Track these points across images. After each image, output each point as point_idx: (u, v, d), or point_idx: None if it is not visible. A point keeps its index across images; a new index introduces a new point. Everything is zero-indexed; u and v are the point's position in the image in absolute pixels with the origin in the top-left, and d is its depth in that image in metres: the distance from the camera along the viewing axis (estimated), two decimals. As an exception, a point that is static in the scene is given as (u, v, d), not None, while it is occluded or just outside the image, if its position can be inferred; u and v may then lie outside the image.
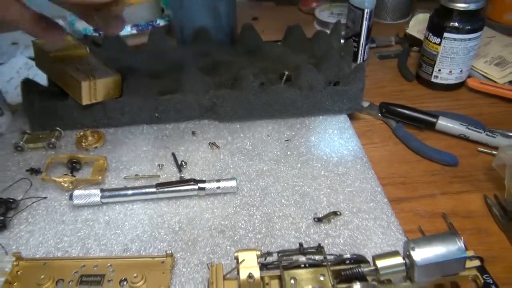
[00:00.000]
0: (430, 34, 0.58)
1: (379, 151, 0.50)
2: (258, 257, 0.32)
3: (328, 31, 0.66)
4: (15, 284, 0.35)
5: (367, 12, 0.61)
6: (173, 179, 0.45)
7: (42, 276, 0.35)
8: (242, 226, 0.40)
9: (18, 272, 0.36)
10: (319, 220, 0.40)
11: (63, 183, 0.43)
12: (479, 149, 0.50)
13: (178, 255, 0.37)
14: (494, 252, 0.38)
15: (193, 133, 0.52)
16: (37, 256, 0.38)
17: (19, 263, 0.37)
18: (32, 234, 0.40)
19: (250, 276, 0.31)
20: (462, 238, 0.29)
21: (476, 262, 0.31)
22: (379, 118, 0.56)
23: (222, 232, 0.39)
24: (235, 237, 0.39)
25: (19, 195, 0.44)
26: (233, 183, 0.43)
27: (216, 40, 0.64)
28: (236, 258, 0.32)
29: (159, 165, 0.47)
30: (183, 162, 0.47)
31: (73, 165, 0.46)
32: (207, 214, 0.41)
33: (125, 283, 0.35)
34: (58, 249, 0.38)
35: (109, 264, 0.36)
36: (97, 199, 0.42)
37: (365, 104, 0.56)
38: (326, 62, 0.55)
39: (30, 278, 0.36)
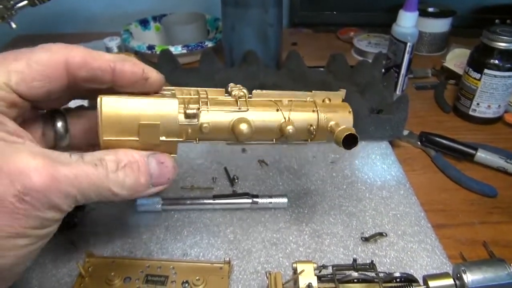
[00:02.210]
0: (470, 69, 0.61)
1: (419, 178, 0.53)
2: (314, 269, 0.35)
3: (368, 60, 0.69)
4: (87, 279, 0.39)
5: (409, 46, 0.64)
6: (226, 192, 0.48)
7: (113, 273, 0.38)
8: (293, 240, 0.43)
9: (89, 268, 0.39)
10: (366, 239, 0.42)
11: (127, 189, 0.47)
12: (518, 182, 0.52)
13: (234, 263, 0.40)
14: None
15: (243, 150, 0.55)
16: (104, 255, 0.41)
17: (90, 260, 0.40)
18: (99, 234, 0.43)
19: (309, 286, 0.33)
20: (511, 264, 0.32)
21: (523, 289, 0.33)
22: (418, 147, 0.58)
23: (274, 244, 0.42)
24: (287, 250, 0.42)
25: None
26: (284, 200, 0.46)
27: (263, 63, 0.68)
28: (295, 269, 0.35)
29: (212, 178, 0.51)
30: (235, 177, 0.50)
31: (134, 173, 0.50)
32: (260, 227, 0.44)
33: (186, 285, 0.38)
34: (123, 249, 0.42)
35: (171, 266, 0.40)
36: (159, 206, 0.45)
37: (405, 132, 0.59)
38: (369, 91, 0.58)
39: (100, 274, 0.39)
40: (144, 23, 0.90)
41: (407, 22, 0.64)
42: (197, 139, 0.31)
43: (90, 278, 0.39)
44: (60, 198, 0.24)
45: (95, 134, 0.28)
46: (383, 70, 0.69)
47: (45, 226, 0.25)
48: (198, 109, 0.31)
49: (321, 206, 0.47)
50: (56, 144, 0.32)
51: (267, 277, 0.36)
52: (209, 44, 0.80)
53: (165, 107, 0.29)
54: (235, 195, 0.46)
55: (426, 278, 0.33)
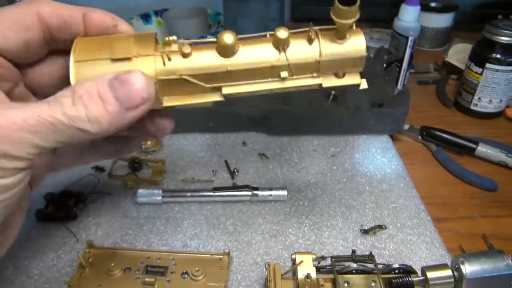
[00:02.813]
0: (472, 63, 0.61)
1: (420, 172, 0.53)
2: (313, 260, 0.35)
3: (369, 55, 0.69)
4: (87, 269, 0.39)
5: (411, 40, 0.64)
6: (226, 185, 0.48)
7: (112, 264, 0.38)
8: (293, 232, 0.43)
9: (90, 259, 0.40)
10: (365, 232, 0.42)
11: (128, 181, 0.47)
12: (518, 176, 0.52)
13: (234, 254, 0.40)
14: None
15: (244, 143, 0.55)
16: (105, 245, 0.42)
17: (91, 250, 0.40)
18: (99, 226, 0.44)
19: (307, 276, 0.33)
20: (509, 256, 0.32)
21: (522, 280, 0.33)
22: (419, 141, 0.58)
23: (274, 236, 0.42)
24: (286, 242, 0.42)
25: (85, 190, 0.48)
26: (284, 192, 0.46)
27: (264, 58, 0.68)
28: (294, 260, 0.35)
29: (213, 171, 0.51)
30: (235, 170, 0.51)
31: (135, 166, 0.50)
32: (260, 219, 0.44)
33: (186, 275, 0.38)
34: (124, 241, 0.42)
35: (171, 258, 0.40)
36: (159, 198, 0.45)
37: (406, 126, 0.59)
38: (371, 85, 0.58)
39: (101, 264, 0.39)
40: (145, 17, 0.90)
41: (409, 16, 0.64)
42: (180, 74, 0.27)
43: (90, 268, 0.39)
44: (12, 144, 0.22)
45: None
46: (384, 65, 0.68)
47: (5, 175, 0.22)
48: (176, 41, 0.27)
49: (321, 198, 0.47)
50: None
51: (266, 268, 0.36)
52: (211, 38, 0.80)
53: (143, 34, 0.28)
54: (235, 187, 0.46)
55: (424, 269, 0.33)
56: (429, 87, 0.73)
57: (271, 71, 0.28)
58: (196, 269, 0.38)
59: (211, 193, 0.45)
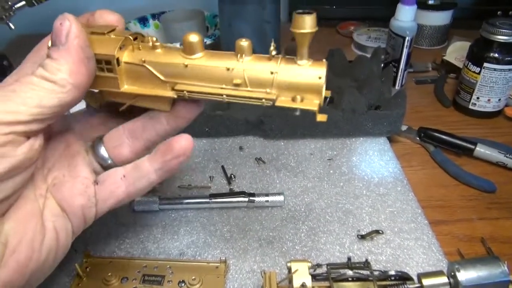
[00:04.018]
0: (470, 63, 0.60)
1: (418, 174, 0.53)
2: (309, 268, 0.35)
3: (367, 55, 0.69)
4: (84, 279, 0.39)
5: (407, 40, 0.63)
6: (223, 191, 0.48)
7: (110, 273, 0.39)
8: (289, 238, 0.43)
9: (87, 268, 0.40)
10: (362, 237, 0.42)
11: (124, 189, 0.47)
12: (517, 177, 0.51)
13: (231, 261, 0.40)
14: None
15: (241, 148, 0.55)
16: (102, 255, 0.42)
17: (88, 260, 0.41)
18: (96, 235, 0.44)
19: (303, 285, 0.33)
20: (505, 262, 0.32)
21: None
22: (417, 142, 0.58)
23: (270, 243, 0.42)
24: (283, 248, 0.42)
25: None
26: (280, 198, 0.46)
27: (261, 60, 0.68)
28: (289, 268, 0.35)
29: (210, 176, 0.51)
30: (232, 175, 0.50)
31: (132, 173, 0.50)
32: (256, 225, 0.44)
33: (183, 284, 0.38)
34: (121, 249, 0.42)
35: (168, 266, 0.40)
36: (156, 205, 0.45)
37: (403, 127, 0.59)
38: (367, 86, 0.58)
39: (98, 274, 0.39)
40: (143, 20, 0.90)
41: (406, 16, 0.63)
42: (143, 61, 0.29)
43: (87, 278, 0.39)
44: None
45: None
46: (382, 65, 0.68)
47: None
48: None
49: (318, 203, 0.47)
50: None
51: (262, 276, 0.36)
52: (208, 41, 0.80)
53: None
54: (231, 194, 0.46)
55: (420, 276, 0.33)
56: (427, 87, 0.72)
57: (226, 77, 0.29)
58: (193, 277, 0.38)
59: (207, 200, 0.45)
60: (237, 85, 0.28)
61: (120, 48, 0.29)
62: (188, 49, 0.29)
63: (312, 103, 0.28)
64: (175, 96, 0.30)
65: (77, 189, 0.31)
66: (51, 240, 0.29)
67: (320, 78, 0.27)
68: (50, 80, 0.26)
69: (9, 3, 0.67)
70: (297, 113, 0.28)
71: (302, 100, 0.28)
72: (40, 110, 0.25)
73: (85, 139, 0.34)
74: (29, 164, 0.26)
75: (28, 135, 0.26)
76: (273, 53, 0.28)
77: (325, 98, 0.60)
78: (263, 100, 0.28)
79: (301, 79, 0.28)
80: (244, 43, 0.28)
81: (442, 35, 0.84)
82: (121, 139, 0.33)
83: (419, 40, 0.84)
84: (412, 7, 0.63)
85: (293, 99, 0.28)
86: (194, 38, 0.29)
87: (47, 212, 0.29)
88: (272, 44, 0.28)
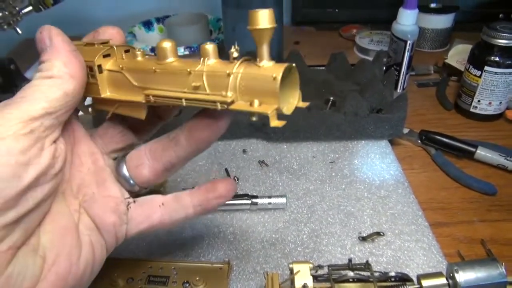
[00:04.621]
0: (471, 66, 0.61)
1: (419, 177, 0.53)
2: (310, 269, 0.36)
3: (369, 58, 0.69)
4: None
5: (409, 44, 0.64)
6: (227, 193, 0.49)
7: (116, 274, 0.40)
8: (292, 240, 0.43)
9: (94, 269, 0.41)
10: (363, 239, 0.43)
11: (130, 192, 0.48)
12: (518, 179, 0.52)
13: (234, 263, 0.41)
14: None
15: (244, 151, 0.56)
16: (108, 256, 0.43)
17: (94, 261, 0.41)
18: (103, 236, 0.45)
19: (304, 286, 0.34)
20: (503, 264, 0.32)
21: (516, 287, 0.34)
22: (418, 145, 0.58)
23: (273, 244, 0.43)
24: (285, 250, 0.42)
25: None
26: (283, 200, 0.46)
27: (264, 64, 0.69)
28: (291, 269, 0.36)
29: (213, 179, 0.51)
30: (235, 178, 0.51)
31: (137, 175, 0.51)
32: (259, 227, 0.45)
33: (187, 285, 0.39)
34: (127, 251, 0.43)
35: (173, 267, 0.41)
36: (160, 207, 0.46)
37: (405, 130, 0.59)
38: (370, 90, 0.59)
39: (104, 275, 0.40)
40: (147, 24, 0.91)
41: (407, 20, 0.64)
42: (121, 68, 0.30)
43: (94, 279, 0.40)
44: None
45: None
46: (384, 68, 0.69)
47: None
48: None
49: (320, 206, 0.47)
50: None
51: (265, 277, 0.37)
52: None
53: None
54: (234, 196, 0.47)
55: (419, 278, 0.34)
56: (429, 90, 0.73)
57: (187, 80, 0.28)
58: (197, 278, 0.39)
59: (211, 202, 0.46)
60: (196, 88, 0.28)
61: (104, 56, 0.30)
62: (160, 55, 0.29)
63: (268, 107, 0.26)
64: (144, 101, 0.30)
65: (108, 207, 0.31)
66: (88, 253, 0.29)
67: (274, 79, 0.25)
68: (49, 76, 0.27)
69: (17, 8, 0.69)
70: (254, 118, 0.26)
71: (260, 104, 0.26)
72: (49, 104, 0.26)
73: (107, 152, 0.34)
74: (55, 172, 0.27)
75: (46, 135, 0.26)
76: (234, 55, 0.27)
77: (328, 101, 0.60)
78: (217, 104, 0.27)
79: (255, 81, 0.26)
80: (209, 46, 0.28)
81: (444, 38, 0.85)
82: (142, 159, 0.33)
83: (421, 43, 0.85)
84: (414, 11, 0.63)
85: (251, 104, 0.26)
86: (166, 44, 0.29)
87: (82, 227, 0.29)
88: (233, 46, 0.26)
